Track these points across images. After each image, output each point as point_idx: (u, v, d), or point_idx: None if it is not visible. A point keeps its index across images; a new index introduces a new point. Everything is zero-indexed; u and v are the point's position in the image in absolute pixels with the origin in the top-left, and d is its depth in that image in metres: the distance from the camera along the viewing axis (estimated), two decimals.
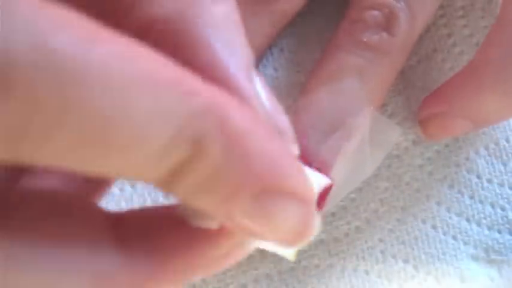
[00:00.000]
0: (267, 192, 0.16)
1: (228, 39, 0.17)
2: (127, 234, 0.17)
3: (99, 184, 0.20)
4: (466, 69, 0.28)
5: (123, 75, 0.13)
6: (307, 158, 0.26)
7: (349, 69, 0.27)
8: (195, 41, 0.16)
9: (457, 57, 0.31)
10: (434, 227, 0.30)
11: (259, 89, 0.17)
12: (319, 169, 0.26)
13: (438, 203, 0.30)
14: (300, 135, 0.26)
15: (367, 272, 0.29)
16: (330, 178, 0.25)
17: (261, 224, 0.16)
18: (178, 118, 0.14)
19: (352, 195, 0.30)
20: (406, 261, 0.29)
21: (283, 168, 0.16)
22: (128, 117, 0.14)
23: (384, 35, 0.27)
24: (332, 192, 0.27)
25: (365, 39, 0.27)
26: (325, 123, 0.27)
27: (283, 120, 0.18)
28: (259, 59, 0.30)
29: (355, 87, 0.27)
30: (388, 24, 0.27)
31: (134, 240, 0.17)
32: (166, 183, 0.15)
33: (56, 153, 0.13)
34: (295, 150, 0.19)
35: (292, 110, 0.28)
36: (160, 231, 0.18)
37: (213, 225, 0.17)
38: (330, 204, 0.28)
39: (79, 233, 0.17)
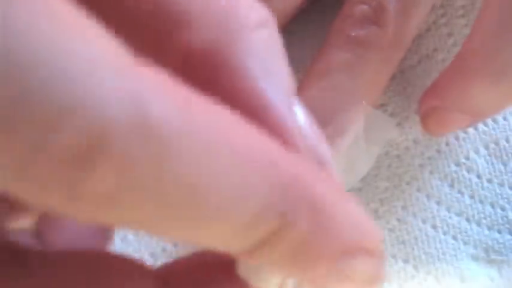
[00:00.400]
0: (347, 253, 0.16)
1: (268, 67, 0.16)
2: None
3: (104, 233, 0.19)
4: (454, 61, 0.28)
5: (214, 147, 0.13)
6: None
7: (339, 65, 0.27)
8: (233, 71, 0.16)
9: None
10: (434, 227, 0.30)
11: (300, 118, 0.17)
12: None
13: (438, 203, 0.30)
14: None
15: None
16: None
17: (337, 282, 0.16)
18: (264, 193, 0.14)
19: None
20: (406, 261, 0.29)
21: (362, 227, 0.16)
22: (216, 190, 0.13)
23: (373, 28, 0.27)
24: None
25: (353, 34, 0.27)
26: (316, 120, 0.26)
27: (325, 150, 0.18)
28: None
29: (344, 83, 0.27)
30: (376, 17, 0.27)
31: None
32: (250, 253, 0.15)
33: (142, 220, 0.13)
34: (338, 181, 0.18)
35: None
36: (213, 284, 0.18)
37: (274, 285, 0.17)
38: None
39: None
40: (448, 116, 0.28)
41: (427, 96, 0.29)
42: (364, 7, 0.27)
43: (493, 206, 0.30)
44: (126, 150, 0.12)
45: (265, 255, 0.15)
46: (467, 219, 0.30)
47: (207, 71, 0.16)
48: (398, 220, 0.30)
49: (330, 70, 0.27)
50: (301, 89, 0.27)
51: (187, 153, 0.13)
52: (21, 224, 0.17)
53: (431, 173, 0.30)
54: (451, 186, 0.30)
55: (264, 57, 0.16)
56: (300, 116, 0.17)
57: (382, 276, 0.17)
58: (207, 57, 0.16)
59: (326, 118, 0.26)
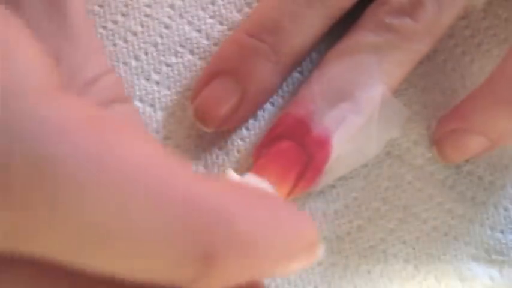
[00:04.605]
0: (284, 260, 0.16)
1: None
2: None
3: None
4: (483, 85, 0.28)
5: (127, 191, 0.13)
6: (310, 124, 0.27)
7: (367, 45, 0.27)
8: None
9: (459, 58, 0.31)
10: (435, 228, 0.30)
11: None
12: (319, 137, 0.26)
13: (440, 203, 0.30)
14: (308, 103, 0.27)
15: (368, 271, 0.29)
16: (332, 147, 0.26)
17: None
18: (184, 237, 0.13)
19: (354, 194, 0.30)
20: (407, 260, 0.29)
21: (296, 234, 0.16)
22: (129, 230, 0.13)
23: (407, 19, 0.27)
24: (333, 166, 0.27)
25: (387, 21, 0.27)
26: (334, 93, 0.27)
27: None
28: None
29: (369, 63, 0.27)
30: (412, 9, 0.27)
31: None
32: (195, 284, 0.15)
33: (49, 249, 0.13)
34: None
35: (307, 81, 0.28)
36: None
37: None
38: (329, 178, 0.28)
39: None
40: (467, 138, 0.28)
41: (447, 119, 0.29)
42: None
43: (495, 207, 0.30)
44: (25, 187, 0.13)
45: (205, 286, 0.15)
46: (470, 220, 0.30)
47: None
48: (400, 220, 0.30)
49: (357, 48, 0.27)
50: (324, 62, 0.28)
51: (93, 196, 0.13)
52: None
53: (432, 174, 0.30)
54: (452, 187, 0.30)
55: None
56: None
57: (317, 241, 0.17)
58: None
59: (345, 93, 0.27)
